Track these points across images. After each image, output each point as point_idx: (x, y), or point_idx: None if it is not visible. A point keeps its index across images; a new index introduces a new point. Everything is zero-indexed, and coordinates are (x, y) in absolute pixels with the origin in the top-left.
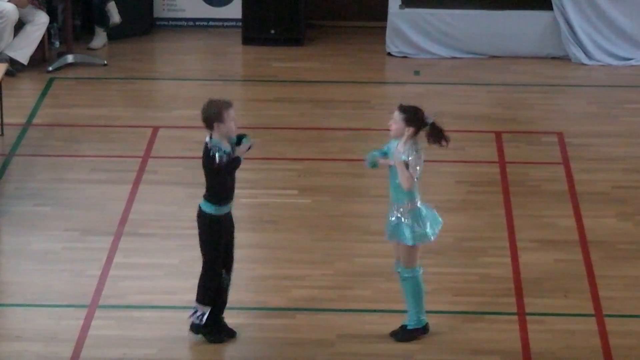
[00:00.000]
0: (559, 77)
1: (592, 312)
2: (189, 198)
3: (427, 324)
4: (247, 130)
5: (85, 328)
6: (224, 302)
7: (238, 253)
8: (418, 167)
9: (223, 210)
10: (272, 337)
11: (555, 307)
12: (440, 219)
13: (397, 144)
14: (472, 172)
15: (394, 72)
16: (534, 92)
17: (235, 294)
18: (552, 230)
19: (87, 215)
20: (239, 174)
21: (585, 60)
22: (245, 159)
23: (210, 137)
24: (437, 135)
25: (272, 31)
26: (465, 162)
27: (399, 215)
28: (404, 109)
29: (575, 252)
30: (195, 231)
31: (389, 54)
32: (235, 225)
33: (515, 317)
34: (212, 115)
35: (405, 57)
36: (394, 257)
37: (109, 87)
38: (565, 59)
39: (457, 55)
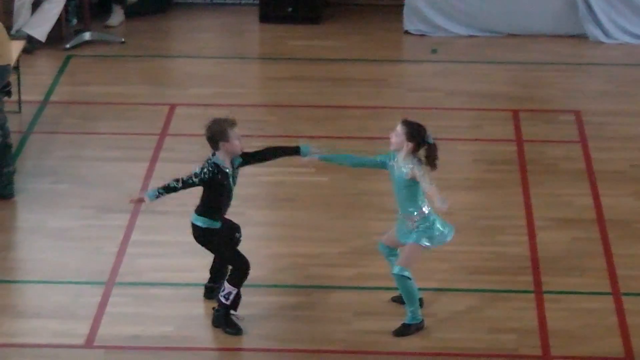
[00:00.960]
0: (577, 56)
1: (609, 290)
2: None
3: (422, 321)
4: (264, 108)
5: (102, 305)
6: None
7: (255, 230)
8: (427, 175)
9: (216, 224)
10: (289, 315)
11: (573, 286)
12: (451, 229)
13: (397, 158)
14: (489, 150)
15: (411, 50)
16: (552, 71)
17: (252, 272)
18: (569, 208)
19: (104, 193)
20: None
21: (603, 38)
22: (262, 136)
23: (213, 155)
24: (432, 156)
25: (290, 9)
26: (482, 140)
27: (410, 225)
28: (407, 123)
29: (592, 230)
30: None
31: (406, 32)
32: (252, 203)
33: (532, 296)
34: (217, 134)
35: (423, 35)
36: (382, 236)
37: (126, 65)
38: (582, 37)
39: (475, 33)
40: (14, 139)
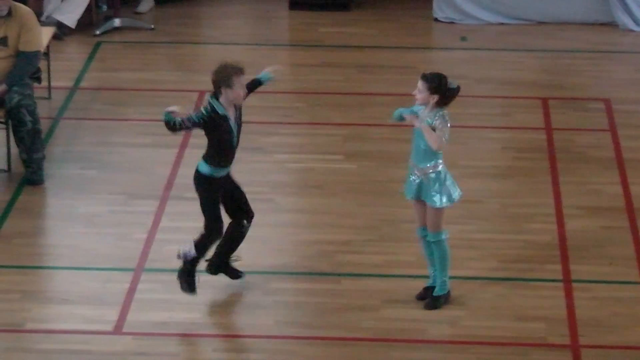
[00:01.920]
0: (607, 44)
1: (638, 279)
2: (234, 162)
3: (449, 291)
4: (293, 95)
5: (131, 291)
6: (236, 246)
7: (283, 217)
8: (445, 130)
9: (220, 172)
10: (318, 302)
11: (601, 274)
12: (458, 188)
13: (423, 110)
14: (518, 138)
15: (440, 38)
16: (581, 59)
17: (281, 259)
18: (598, 197)
19: (133, 179)
20: (285, 139)
21: (633, 26)
22: (291, 123)
23: (212, 97)
24: (450, 97)
25: None
26: (511, 128)
27: (422, 176)
28: (427, 77)
29: (621, 219)
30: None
31: (435, 19)
32: (281, 190)
33: (561, 284)
34: (222, 79)
35: (452, 22)
36: (415, 223)
37: (155, 51)
38: (612, 25)
39: (504, 21)
40: (43, 125)
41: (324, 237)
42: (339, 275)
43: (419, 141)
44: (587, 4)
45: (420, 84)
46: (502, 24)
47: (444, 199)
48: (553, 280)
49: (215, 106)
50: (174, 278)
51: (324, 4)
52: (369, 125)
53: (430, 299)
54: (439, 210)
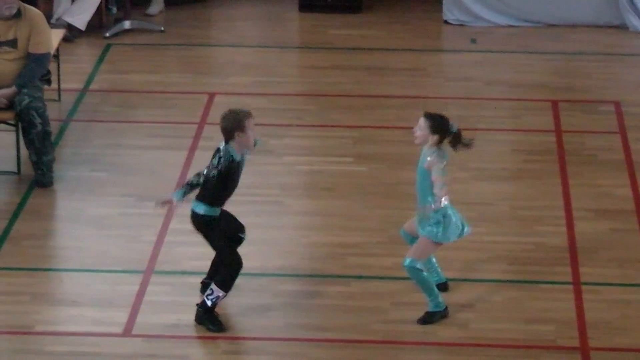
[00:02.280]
0: (616, 46)
1: None
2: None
3: (446, 307)
4: (303, 98)
5: (141, 294)
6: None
7: (293, 220)
8: (439, 171)
9: (215, 212)
10: (327, 305)
11: (611, 277)
12: (467, 227)
13: (423, 148)
14: (528, 140)
15: (450, 40)
16: (591, 61)
17: (290, 261)
18: (608, 199)
19: (143, 181)
20: (295, 141)
21: None
22: (301, 125)
23: (226, 144)
24: (458, 143)
25: None
26: (521, 130)
27: (425, 215)
28: (429, 116)
29: (631, 221)
30: (249, 198)
31: (445, 21)
32: (291, 192)
33: (571, 287)
34: (234, 124)
35: (462, 24)
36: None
37: (165, 54)
38: (622, 27)
39: (514, 23)
40: (53, 127)
41: (334, 240)
42: (349, 277)
43: (420, 180)
44: (598, 7)
45: (422, 122)
46: (512, 26)
47: (438, 234)
48: (563, 283)
49: (232, 154)
50: (183, 280)
51: (334, 6)
52: (379, 127)
53: (426, 314)
54: (427, 241)
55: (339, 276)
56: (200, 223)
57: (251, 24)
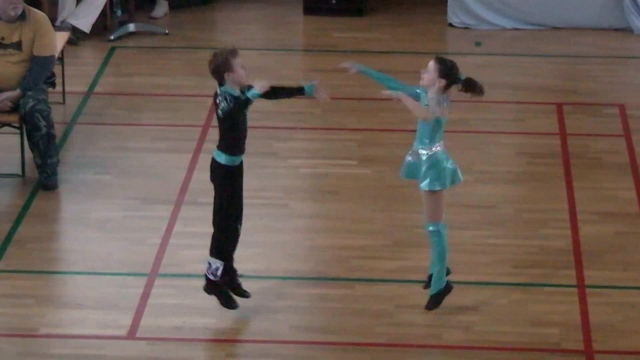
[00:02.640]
0: (621, 49)
1: None
2: (249, 167)
3: (447, 283)
4: (307, 100)
5: (145, 296)
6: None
7: (297, 223)
8: (435, 108)
9: (236, 161)
10: (331, 307)
11: (616, 280)
12: (460, 174)
13: (427, 94)
14: (533, 143)
15: (455, 43)
16: (596, 64)
17: (295, 264)
18: (612, 202)
19: (148, 184)
20: (300, 144)
21: None
22: (305, 128)
23: (221, 85)
24: (471, 87)
25: (334, 1)
26: (525, 133)
27: (417, 155)
28: (440, 60)
29: (635, 224)
30: (254, 201)
31: (450, 24)
32: (295, 195)
33: (575, 290)
34: (220, 65)
35: (467, 27)
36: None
37: (170, 56)
38: (627, 30)
39: (519, 26)
40: (57, 130)
41: (338, 242)
42: (353, 280)
43: (422, 125)
44: (602, 10)
45: (432, 64)
46: (517, 29)
47: (433, 182)
48: (567, 286)
49: (230, 92)
50: (187, 283)
51: (339, 9)
52: (384, 130)
53: (431, 298)
54: (432, 195)
55: (343, 279)
56: (219, 172)
57: (256, 26)
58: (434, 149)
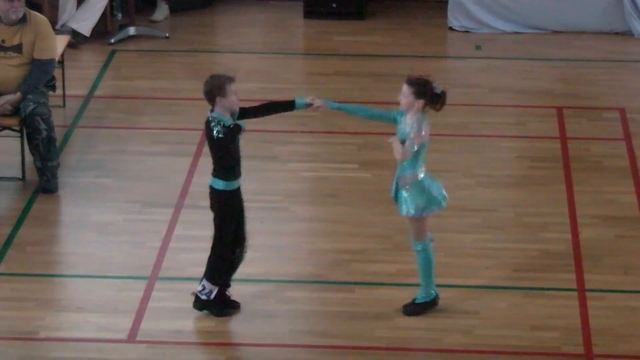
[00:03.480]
0: (622, 53)
1: None
2: (249, 171)
3: (436, 296)
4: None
5: (145, 300)
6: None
7: (297, 226)
8: (415, 140)
9: (233, 185)
10: (331, 311)
11: (616, 284)
12: (445, 193)
13: (406, 116)
14: (533, 147)
15: (455, 47)
16: (596, 68)
17: (295, 267)
18: (613, 206)
19: (148, 188)
20: (300, 148)
21: None
22: (305, 132)
23: (212, 111)
24: (441, 103)
25: (334, 5)
26: (526, 137)
27: (400, 185)
28: (412, 81)
29: (636, 228)
30: (253, 204)
31: (450, 28)
32: (295, 199)
33: (575, 294)
34: (214, 89)
35: (467, 31)
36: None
37: (170, 60)
38: (628, 34)
39: (519, 30)
40: (58, 133)
41: (339, 246)
42: (353, 284)
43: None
44: (602, 13)
45: (405, 88)
46: (517, 32)
47: (418, 208)
48: (567, 290)
49: (222, 120)
50: (187, 287)
51: (339, 12)
52: (384, 134)
53: (412, 305)
54: (416, 220)
55: (343, 283)
56: (218, 198)
57: (256, 30)
58: (419, 175)
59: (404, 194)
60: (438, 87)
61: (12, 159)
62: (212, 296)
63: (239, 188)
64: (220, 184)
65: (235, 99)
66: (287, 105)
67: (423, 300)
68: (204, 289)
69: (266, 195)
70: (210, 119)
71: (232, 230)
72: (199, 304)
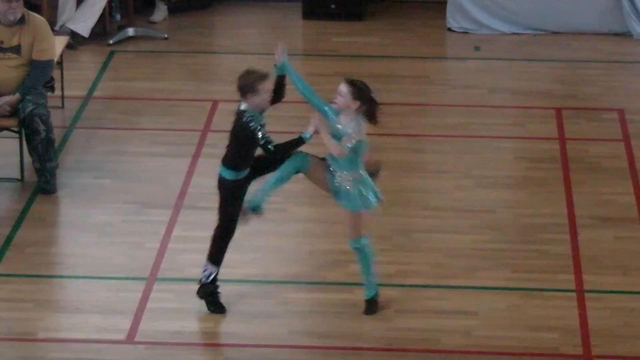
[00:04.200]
0: (620, 54)
1: None
2: None
3: (377, 290)
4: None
5: (144, 301)
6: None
7: (296, 227)
8: (353, 138)
9: (242, 174)
10: (330, 312)
11: (614, 285)
12: (378, 195)
13: (340, 116)
14: (532, 148)
15: (454, 48)
16: (595, 69)
17: (294, 268)
18: (611, 207)
19: (147, 188)
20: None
21: None
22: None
23: (243, 104)
24: (373, 113)
25: (333, 5)
26: (525, 138)
27: (340, 180)
28: (351, 82)
29: (634, 229)
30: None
31: (449, 29)
32: (294, 200)
33: (574, 295)
34: (247, 85)
35: (466, 32)
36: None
37: (169, 61)
38: (626, 35)
39: (518, 30)
40: (56, 134)
41: (337, 247)
42: (352, 284)
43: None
44: (601, 14)
45: (344, 87)
46: (516, 33)
47: (359, 203)
48: (566, 290)
49: (259, 117)
50: (186, 287)
51: (338, 13)
52: (383, 135)
53: (367, 303)
54: (355, 215)
55: (342, 283)
56: (225, 187)
57: (255, 31)
58: (359, 174)
59: (346, 189)
60: (375, 95)
61: (11, 160)
62: (211, 278)
63: (247, 176)
64: (230, 174)
65: (266, 97)
66: (297, 143)
67: (371, 296)
68: (205, 270)
69: None
70: (244, 111)
71: (237, 217)
72: (202, 290)
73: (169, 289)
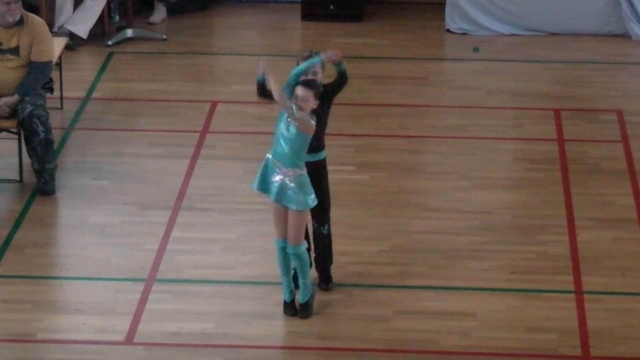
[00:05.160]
0: (619, 55)
1: None
2: (246, 173)
3: (313, 293)
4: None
5: (143, 302)
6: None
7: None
8: (303, 113)
9: (321, 155)
10: (329, 313)
11: (613, 286)
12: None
13: (282, 114)
14: (531, 149)
15: (452, 49)
16: (594, 70)
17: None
18: (610, 208)
19: (145, 190)
20: None
21: None
22: None
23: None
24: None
25: (331, 7)
26: (523, 139)
27: (283, 177)
28: (309, 84)
29: (633, 230)
30: (251, 206)
31: (448, 30)
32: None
33: (573, 296)
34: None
35: (464, 33)
36: (275, 234)
37: (168, 62)
38: (625, 36)
39: (517, 32)
40: (55, 136)
41: (336, 248)
42: (351, 286)
43: (291, 143)
44: (600, 16)
45: (309, 94)
46: (515, 35)
47: (304, 203)
48: (565, 292)
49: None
50: (185, 288)
51: (337, 14)
52: (381, 136)
53: (302, 307)
54: (301, 216)
55: (340, 284)
56: (323, 167)
57: (253, 32)
58: (303, 170)
59: (291, 187)
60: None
61: (10, 161)
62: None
63: (324, 159)
64: (324, 153)
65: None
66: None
67: (306, 300)
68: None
69: (264, 197)
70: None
71: (323, 197)
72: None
73: (167, 290)
